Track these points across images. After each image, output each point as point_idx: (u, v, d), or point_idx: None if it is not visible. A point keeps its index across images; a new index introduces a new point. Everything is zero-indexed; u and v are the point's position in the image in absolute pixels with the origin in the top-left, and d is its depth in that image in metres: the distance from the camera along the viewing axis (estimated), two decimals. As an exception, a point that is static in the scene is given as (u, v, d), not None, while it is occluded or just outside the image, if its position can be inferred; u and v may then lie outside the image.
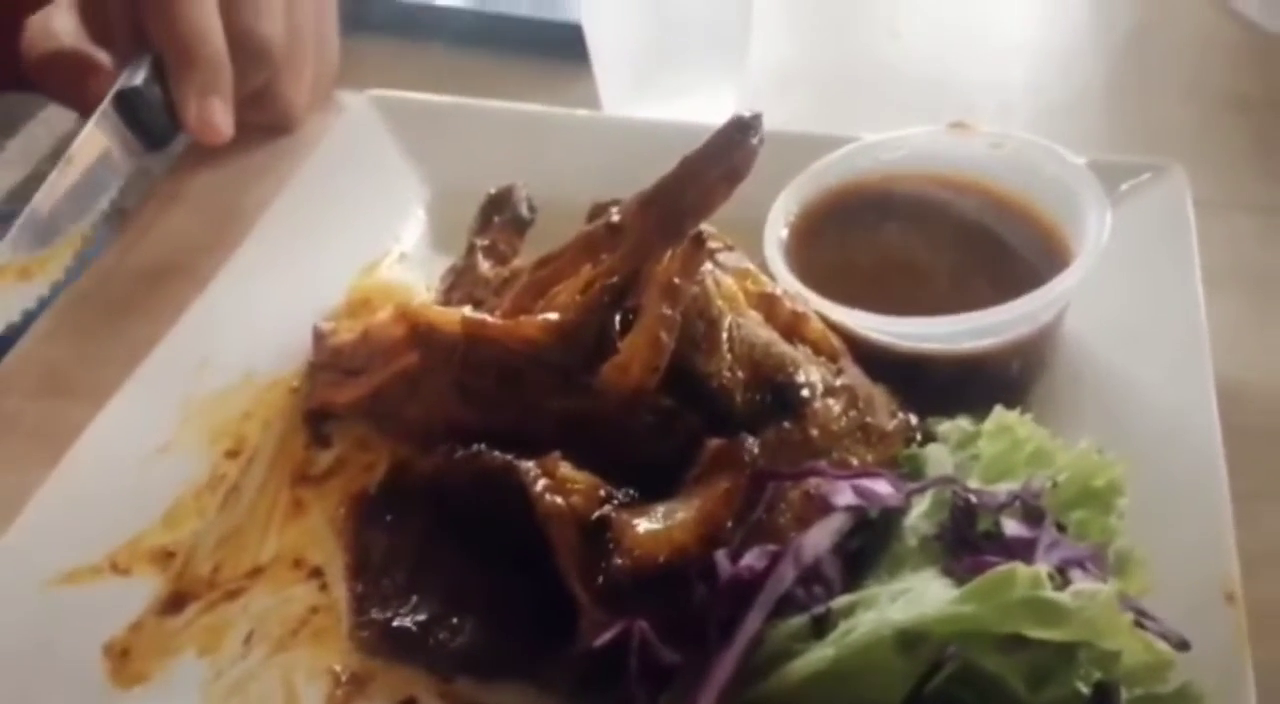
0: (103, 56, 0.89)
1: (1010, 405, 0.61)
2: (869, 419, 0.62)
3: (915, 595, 0.47)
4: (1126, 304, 0.74)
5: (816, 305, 0.67)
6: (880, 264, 0.71)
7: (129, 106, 0.84)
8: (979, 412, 0.61)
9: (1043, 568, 0.46)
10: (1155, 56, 1.07)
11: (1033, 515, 0.51)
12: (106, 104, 0.83)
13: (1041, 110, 1.00)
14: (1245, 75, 1.01)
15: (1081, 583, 0.47)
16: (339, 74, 1.06)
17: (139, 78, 0.85)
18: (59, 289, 0.79)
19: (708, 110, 0.99)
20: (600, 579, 0.53)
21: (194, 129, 0.87)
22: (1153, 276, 0.76)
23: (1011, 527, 0.50)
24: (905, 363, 0.67)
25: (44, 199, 0.78)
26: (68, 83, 0.89)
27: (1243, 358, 0.76)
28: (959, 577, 0.48)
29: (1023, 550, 0.48)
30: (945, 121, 0.76)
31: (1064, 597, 0.45)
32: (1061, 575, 0.47)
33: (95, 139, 0.82)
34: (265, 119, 0.99)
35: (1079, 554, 0.48)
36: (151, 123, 0.86)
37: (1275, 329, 0.80)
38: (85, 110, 0.87)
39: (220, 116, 0.87)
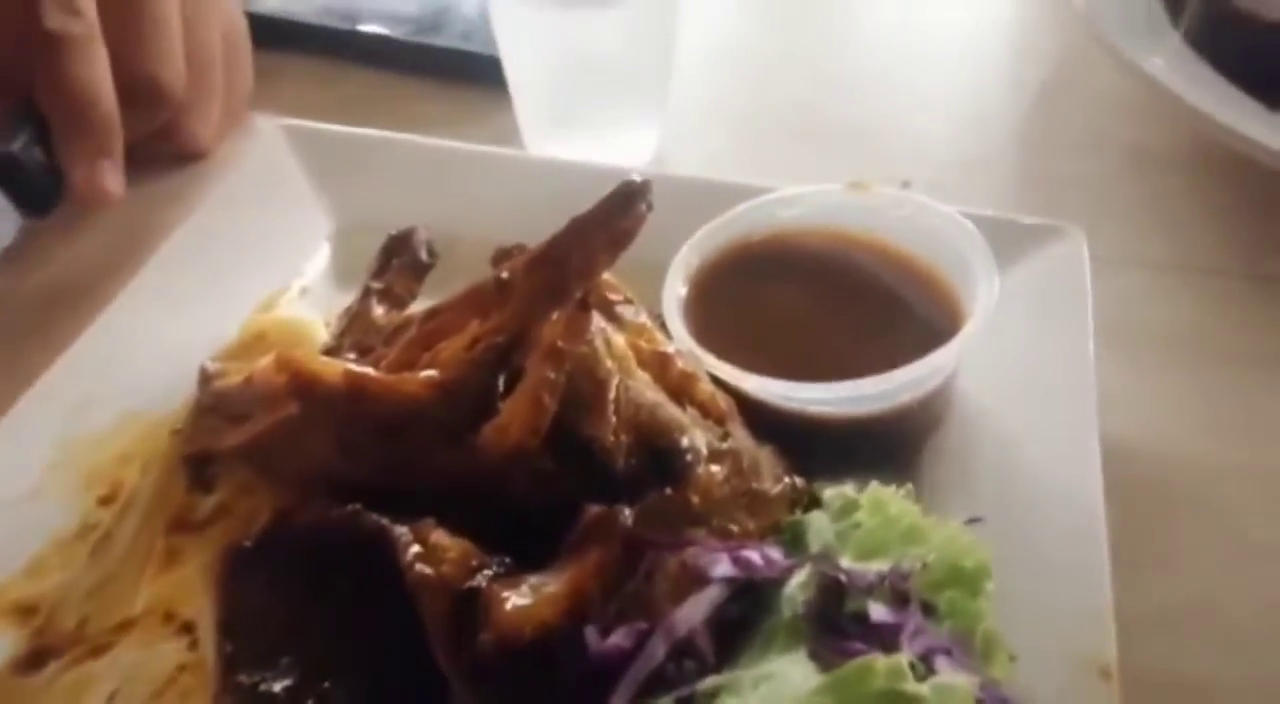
0: None
1: (903, 462, 0.64)
2: (753, 484, 0.61)
3: (778, 683, 0.47)
4: (1020, 364, 0.75)
5: (709, 365, 0.66)
6: (775, 322, 0.71)
7: (6, 173, 0.79)
8: (872, 470, 0.62)
9: (904, 657, 0.46)
10: (1063, 112, 1.09)
11: (900, 598, 0.51)
12: None
13: (952, 160, 1.02)
14: (1149, 133, 1.03)
15: (945, 672, 0.47)
16: (254, 93, 1.04)
17: (17, 142, 0.78)
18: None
19: (630, 147, 0.99)
20: (467, 655, 0.52)
21: (82, 196, 0.82)
22: (1047, 337, 0.77)
23: (878, 611, 0.50)
24: (796, 423, 0.67)
25: None
26: None
27: (1131, 417, 0.77)
28: (824, 661, 0.48)
29: (888, 636, 0.48)
30: (848, 177, 0.76)
31: (921, 688, 0.45)
32: (925, 664, 0.47)
33: None
34: (171, 149, 0.96)
35: (943, 643, 0.48)
36: (31, 188, 0.80)
37: (1164, 387, 0.81)
38: None
39: (111, 181, 0.83)
